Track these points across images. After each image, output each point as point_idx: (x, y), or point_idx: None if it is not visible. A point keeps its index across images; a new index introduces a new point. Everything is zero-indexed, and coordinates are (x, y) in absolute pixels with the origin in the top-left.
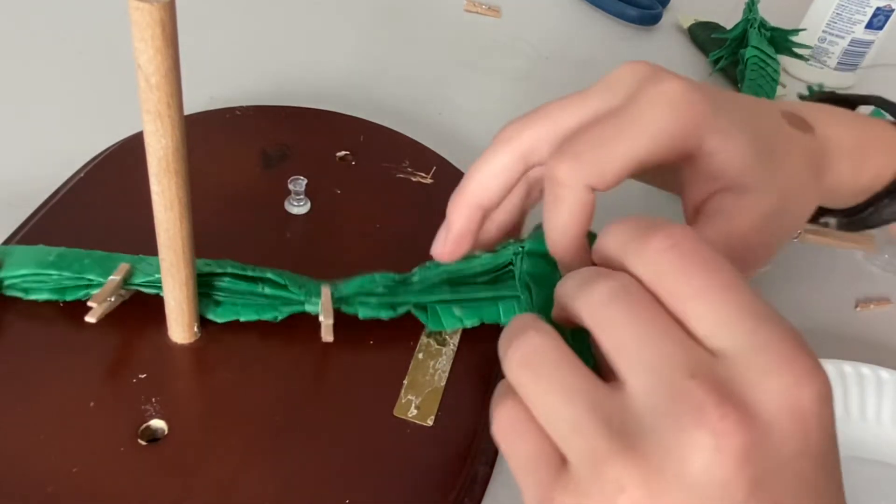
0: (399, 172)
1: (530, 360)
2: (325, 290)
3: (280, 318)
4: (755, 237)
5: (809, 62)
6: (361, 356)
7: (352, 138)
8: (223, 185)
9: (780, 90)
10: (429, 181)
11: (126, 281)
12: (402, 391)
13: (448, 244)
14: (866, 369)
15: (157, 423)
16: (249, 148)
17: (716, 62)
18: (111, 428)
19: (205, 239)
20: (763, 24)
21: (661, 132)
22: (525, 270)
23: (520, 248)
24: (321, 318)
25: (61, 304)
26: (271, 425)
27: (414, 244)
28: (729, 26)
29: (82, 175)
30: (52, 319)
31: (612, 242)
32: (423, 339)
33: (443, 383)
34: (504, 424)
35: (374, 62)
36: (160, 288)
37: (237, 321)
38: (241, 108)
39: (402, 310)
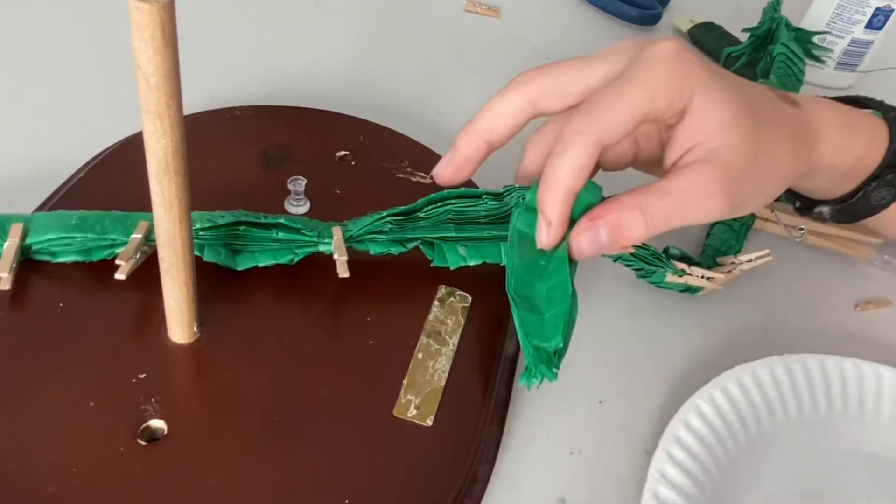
0: (399, 172)
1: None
2: (337, 230)
3: (296, 259)
4: (714, 186)
5: (812, 63)
6: (361, 356)
7: (352, 138)
8: (223, 185)
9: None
10: (428, 181)
11: (147, 238)
12: (402, 391)
13: (450, 167)
14: (867, 367)
15: (157, 423)
16: (249, 148)
17: (735, 59)
18: (111, 428)
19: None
20: (788, 24)
21: (658, 87)
22: (517, 227)
23: (520, 200)
24: (335, 256)
25: (61, 305)
26: (271, 425)
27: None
28: (728, 28)
29: (82, 175)
30: (52, 318)
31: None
32: (423, 339)
33: (443, 383)
34: None
35: (374, 62)
36: None
37: (237, 321)
38: (241, 108)
39: (410, 245)
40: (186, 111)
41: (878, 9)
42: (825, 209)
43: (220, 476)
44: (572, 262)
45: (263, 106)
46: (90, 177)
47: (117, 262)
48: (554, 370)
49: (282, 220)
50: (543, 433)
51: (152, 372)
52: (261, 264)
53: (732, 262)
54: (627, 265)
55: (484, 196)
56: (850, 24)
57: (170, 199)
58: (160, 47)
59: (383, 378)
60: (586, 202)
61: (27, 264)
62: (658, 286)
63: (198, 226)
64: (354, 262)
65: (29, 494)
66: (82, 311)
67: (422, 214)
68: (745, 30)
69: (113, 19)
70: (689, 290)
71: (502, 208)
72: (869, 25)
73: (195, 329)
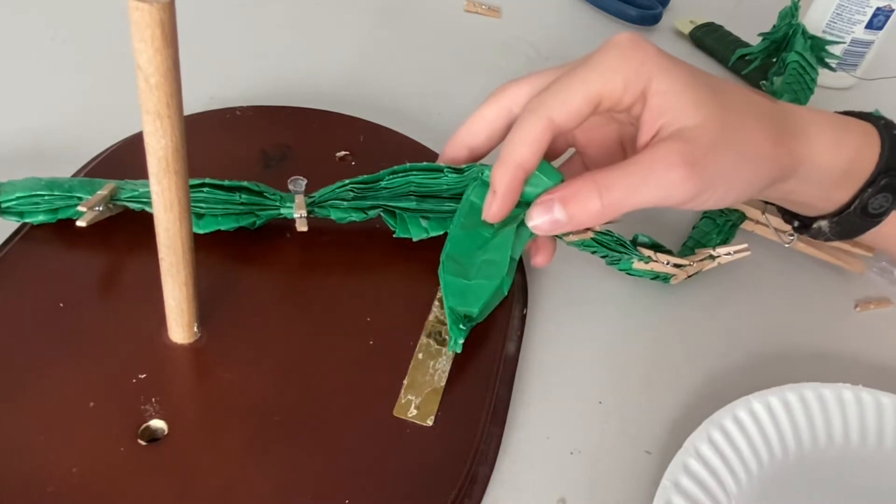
0: None
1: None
2: (299, 196)
3: (259, 223)
4: (675, 157)
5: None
6: (361, 356)
7: (352, 138)
8: None
9: None
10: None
11: (113, 197)
12: (402, 391)
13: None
14: (866, 394)
15: (157, 423)
16: (249, 148)
17: (748, 62)
18: (111, 428)
19: (205, 239)
20: (805, 31)
21: (611, 70)
22: (469, 197)
23: (479, 174)
24: (295, 214)
25: (61, 305)
26: (271, 425)
27: (414, 243)
28: (729, 28)
29: (82, 175)
30: (52, 318)
31: None
32: (423, 340)
33: (443, 383)
34: None
35: (374, 62)
36: (147, 203)
37: (237, 321)
38: (241, 108)
39: (372, 213)
40: (186, 111)
41: (878, 9)
42: (824, 223)
43: (220, 476)
44: (520, 239)
45: (263, 106)
46: (91, 176)
47: (80, 207)
48: (462, 329)
49: (244, 184)
50: (543, 433)
51: (152, 372)
52: (223, 228)
53: (709, 254)
54: (592, 252)
55: (445, 170)
56: (850, 24)
57: (170, 199)
58: (160, 47)
59: (383, 378)
60: (545, 187)
61: (28, 261)
62: (628, 273)
63: None
64: (355, 262)
65: (29, 494)
66: (82, 311)
67: (384, 184)
68: (760, 34)
69: (113, 19)
70: (658, 277)
71: (462, 183)
72: (869, 25)
73: (195, 329)
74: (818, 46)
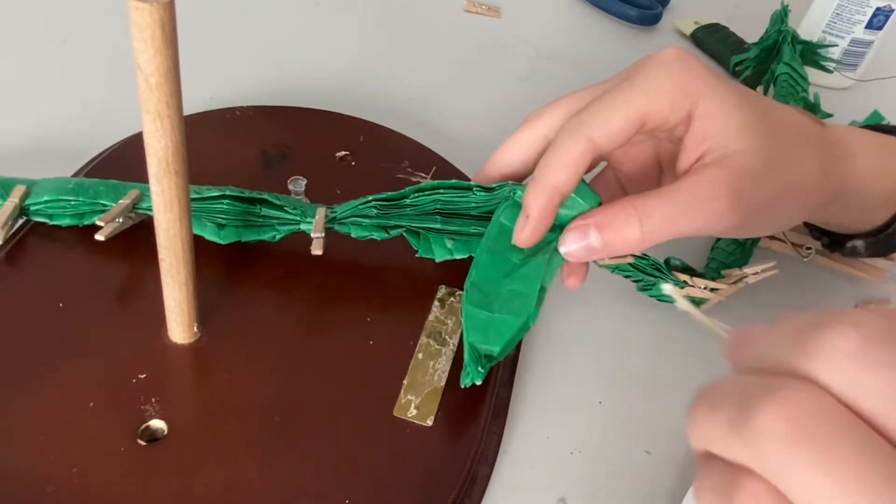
0: (399, 172)
1: (809, 432)
2: (321, 210)
3: (278, 237)
4: (720, 187)
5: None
6: (361, 356)
7: (352, 138)
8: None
9: None
10: (429, 181)
11: (135, 205)
12: (402, 391)
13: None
14: None
15: (157, 423)
16: (249, 148)
17: (740, 71)
18: (111, 428)
19: (204, 239)
20: (795, 37)
21: (656, 88)
22: (499, 218)
23: (511, 194)
24: (312, 234)
25: (61, 305)
26: (271, 425)
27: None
28: (733, 29)
29: (82, 175)
30: (52, 318)
31: (771, 343)
32: (423, 339)
33: (442, 383)
34: None
35: (374, 62)
36: None
37: (237, 321)
38: (241, 109)
39: (394, 233)
40: (186, 111)
41: (878, 9)
42: (859, 243)
43: (220, 476)
44: (551, 266)
45: (263, 106)
46: (90, 177)
47: (97, 222)
48: (480, 370)
49: (266, 196)
50: (543, 433)
51: (152, 372)
52: (244, 240)
53: (742, 276)
54: (626, 276)
55: (474, 188)
56: (850, 24)
57: (170, 199)
58: (160, 47)
59: (383, 378)
60: (581, 210)
61: (28, 261)
62: (659, 300)
63: None
64: (355, 262)
65: (29, 494)
66: (82, 311)
67: (408, 202)
68: (750, 45)
69: (113, 19)
70: (692, 302)
71: (491, 202)
72: (869, 25)
73: (195, 329)
74: (810, 51)
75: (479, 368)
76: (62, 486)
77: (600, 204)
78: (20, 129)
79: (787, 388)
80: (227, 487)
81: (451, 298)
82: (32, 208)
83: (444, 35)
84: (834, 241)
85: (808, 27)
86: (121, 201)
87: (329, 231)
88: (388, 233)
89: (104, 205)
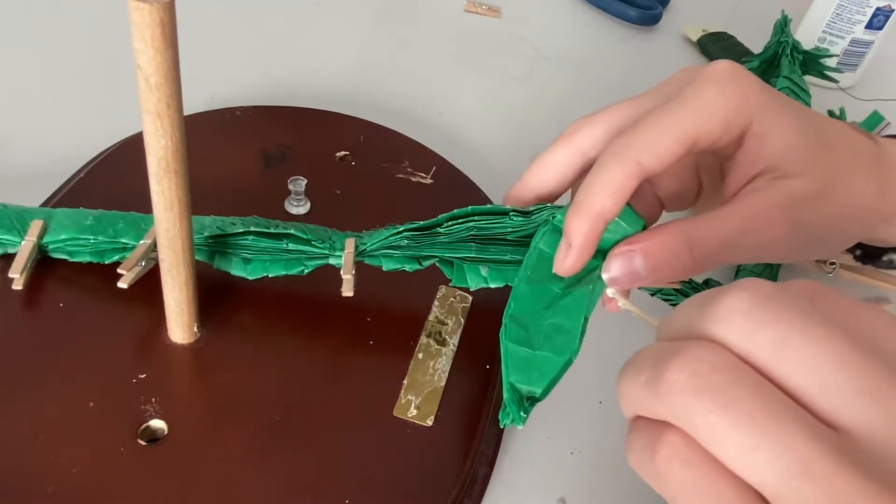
0: (399, 172)
1: (709, 382)
2: (350, 243)
3: (306, 271)
4: (777, 212)
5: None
6: (361, 356)
7: (352, 138)
8: (223, 186)
9: None
10: (429, 181)
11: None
12: (402, 391)
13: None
14: None
15: (157, 423)
16: (249, 148)
17: None
18: (111, 428)
19: None
20: (795, 48)
21: (709, 108)
22: (538, 244)
23: (550, 218)
24: (343, 274)
25: (61, 305)
26: (271, 425)
27: None
28: (732, 33)
29: (82, 175)
30: (52, 318)
31: (681, 314)
32: (423, 339)
33: (443, 383)
34: (675, 471)
35: (375, 62)
36: (201, 250)
37: (237, 321)
38: (241, 109)
39: (427, 263)
40: (186, 111)
41: (878, 9)
42: None
43: (220, 476)
44: (594, 294)
45: (263, 106)
46: (90, 177)
47: (119, 270)
48: (523, 415)
49: (292, 231)
50: (543, 433)
51: (152, 372)
52: (271, 275)
53: None
54: (666, 299)
55: (510, 213)
56: (850, 24)
57: (170, 199)
58: (160, 47)
59: (383, 378)
60: (625, 234)
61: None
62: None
63: (206, 234)
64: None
65: (29, 494)
66: (83, 311)
67: (442, 230)
68: (748, 58)
69: (113, 19)
70: None
71: (529, 226)
72: (869, 25)
73: (195, 329)
74: (812, 61)
75: (522, 413)
76: (62, 486)
77: (644, 227)
78: (20, 128)
79: (691, 347)
80: (227, 487)
81: (451, 298)
82: (51, 246)
83: (444, 35)
84: (867, 254)
85: (809, 27)
86: (142, 241)
87: (358, 265)
88: (420, 264)
89: (125, 243)
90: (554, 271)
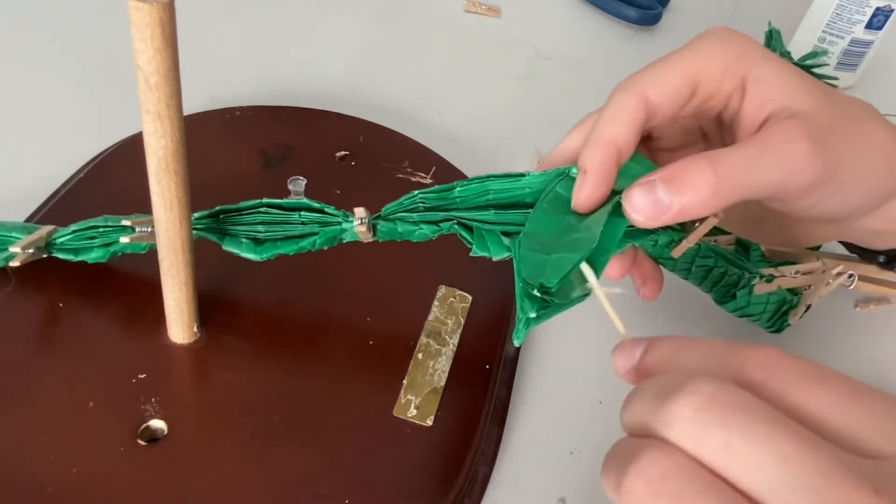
0: (399, 172)
1: (661, 490)
2: (361, 209)
3: (319, 242)
4: (797, 131)
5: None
6: (361, 356)
7: (352, 138)
8: (223, 186)
9: None
10: (429, 181)
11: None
12: (402, 391)
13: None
14: None
15: (157, 423)
16: (249, 148)
17: None
18: (111, 428)
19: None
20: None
21: (710, 50)
22: (555, 188)
23: (565, 172)
24: (355, 221)
25: (61, 305)
26: (270, 425)
27: (414, 244)
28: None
29: (82, 175)
30: (52, 318)
31: (640, 404)
32: (423, 339)
33: (442, 383)
34: None
35: (374, 62)
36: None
37: (237, 321)
38: (241, 109)
39: (445, 226)
40: (186, 111)
41: (878, 9)
42: None
43: (220, 476)
44: (615, 228)
45: (263, 106)
46: (90, 177)
47: (12, 248)
48: (535, 308)
49: (305, 202)
50: (543, 433)
51: (152, 372)
52: (282, 252)
53: (816, 261)
54: (704, 276)
55: (526, 174)
56: (850, 24)
57: (170, 199)
58: (160, 47)
59: (383, 378)
60: (639, 174)
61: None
62: (744, 314)
63: (217, 208)
64: (355, 262)
65: (29, 494)
66: (82, 311)
67: (457, 192)
68: None
69: (113, 19)
70: (779, 311)
71: (546, 185)
72: (869, 25)
73: (195, 329)
74: (806, 70)
75: (535, 306)
76: (62, 486)
77: None
78: (20, 128)
79: (647, 451)
80: (227, 487)
81: (451, 298)
82: (59, 240)
83: (444, 35)
84: (890, 259)
85: (808, 27)
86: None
87: (373, 230)
88: (438, 226)
89: (127, 225)
90: (572, 207)
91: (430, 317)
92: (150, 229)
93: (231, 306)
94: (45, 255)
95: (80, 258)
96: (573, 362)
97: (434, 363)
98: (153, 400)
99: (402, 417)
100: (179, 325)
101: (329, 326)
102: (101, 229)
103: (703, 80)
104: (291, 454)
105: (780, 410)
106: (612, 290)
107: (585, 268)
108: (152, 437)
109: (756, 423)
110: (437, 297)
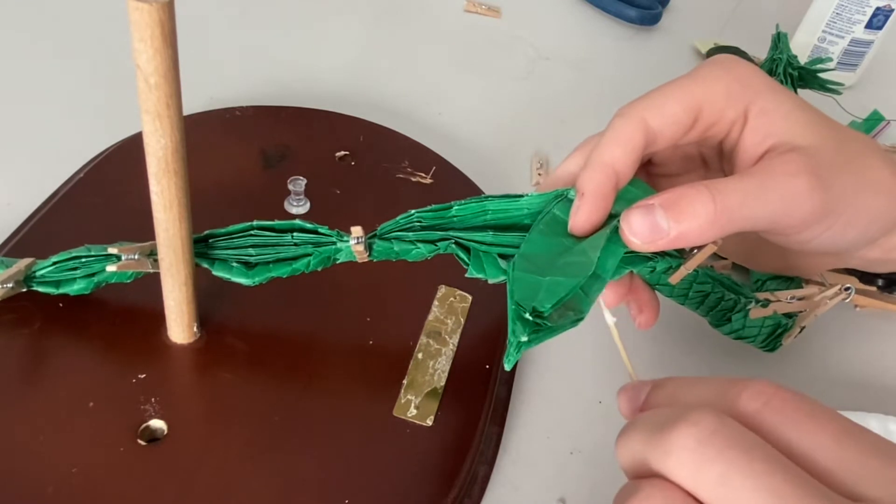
0: (399, 172)
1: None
2: (358, 228)
3: (313, 263)
4: (798, 165)
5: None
6: (361, 356)
7: (352, 138)
8: (223, 186)
9: None
10: (429, 181)
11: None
12: (402, 391)
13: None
14: (874, 421)
15: (157, 423)
16: (249, 148)
17: None
18: (111, 428)
19: None
20: (791, 63)
21: (712, 79)
22: (552, 210)
23: (563, 194)
24: (351, 241)
25: (61, 305)
26: (270, 425)
27: None
28: (732, 33)
29: (82, 175)
30: (52, 318)
31: (637, 435)
32: (423, 339)
33: (442, 383)
34: None
35: (374, 62)
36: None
37: (237, 321)
38: (240, 109)
39: (443, 246)
40: (186, 111)
41: (878, 9)
42: None
43: (219, 476)
44: (613, 253)
45: (263, 106)
46: (90, 177)
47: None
48: (527, 332)
49: (296, 224)
50: (543, 433)
51: (152, 372)
52: (275, 275)
53: (818, 285)
54: (700, 302)
55: (524, 195)
56: (850, 24)
57: (169, 199)
58: (160, 47)
59: (383, 378)
60: (637, 199)
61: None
62: (738, 336)
63: (206, 232)
64: (355, 262)
65: (29, 494)
66: (82, 312)
67: (455, 212)
68: None
69: (113, 19)
70: (773, 334)
71: (543, 206)
72: (869, 25)
73: (195, 329)
74: (809, 76)
75: (527, 330)
76: (62, 486)
77: None
78: (20, 128)
79: (643, 488)
80: (227, 487)
81: (451, 298)
82: (39, 273)
83: (444, 35)
84: (889, 282)
85: (809, 27)
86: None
87: (369, 249)
88: (435, 245)
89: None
90: (569, 229)
91: (430, 317)
92: (136, 256)
93: (231, 306)
94: (24, 290)
95: (61, 291)
96: (573, 362)
97: (434, 363)
98: (153, 400)
99: (402, 417)
100: (179, 325)
101: (329, 326)
102: (83, 259)
103: (706, 108)
104: (291, 454)
105: (772, 445)
106: (607, 318)
107: (606, 311)
108: (152, 437)
109: (754, 461)
110: (437, 296)
